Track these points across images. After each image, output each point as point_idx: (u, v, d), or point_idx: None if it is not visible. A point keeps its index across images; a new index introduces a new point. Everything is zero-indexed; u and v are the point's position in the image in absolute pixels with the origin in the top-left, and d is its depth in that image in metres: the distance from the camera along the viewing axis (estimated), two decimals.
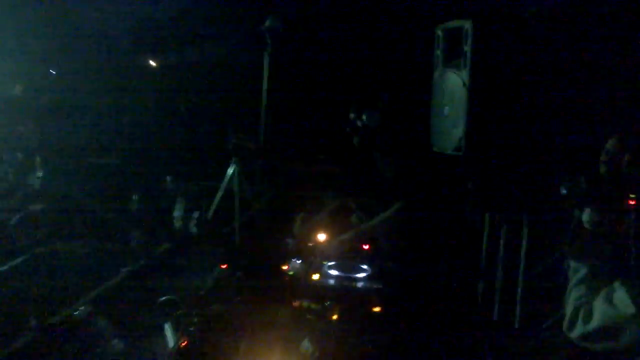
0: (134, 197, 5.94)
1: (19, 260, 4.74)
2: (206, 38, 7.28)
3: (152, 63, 7.35)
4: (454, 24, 3.84)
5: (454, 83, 3.87)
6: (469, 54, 3.63)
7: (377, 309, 2.58)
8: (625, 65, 3.78)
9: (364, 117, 3.29)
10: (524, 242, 3.72)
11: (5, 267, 4.58)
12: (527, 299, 3.79)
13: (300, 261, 2.91)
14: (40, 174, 6.25)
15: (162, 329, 2.77)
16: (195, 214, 5.65)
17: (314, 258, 2.97)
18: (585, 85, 3.94)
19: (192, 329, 2.45)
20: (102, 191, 6.06)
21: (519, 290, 3.78)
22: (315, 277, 2.77)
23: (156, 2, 6.78)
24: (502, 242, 3.87)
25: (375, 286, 2.75)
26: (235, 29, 6.49)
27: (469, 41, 3.62)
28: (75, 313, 3.64)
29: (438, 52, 4.08)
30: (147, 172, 6.25)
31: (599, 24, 3.93)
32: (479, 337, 3.29)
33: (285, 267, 2.83)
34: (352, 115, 3.35)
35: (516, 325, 3.80)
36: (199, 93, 6.97)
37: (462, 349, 2.67)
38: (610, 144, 2.91)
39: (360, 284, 2.77)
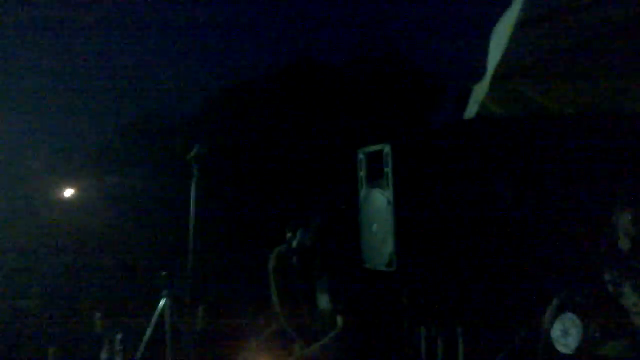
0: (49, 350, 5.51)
1: None
2: (131, 167, 7.26)
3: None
4: (374, 147, 4.08)
5: (379, 201, 4.03)
6: (390, 175, 3.83)
7: None
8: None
9: (298, 235, 3.38)
10: (461, 357, 3.72)
11: None
12: None
13: None
14: None
15: None
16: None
17: None
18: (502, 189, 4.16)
19: None
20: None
21: None
22: None
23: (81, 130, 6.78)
24: (439, 354, 3.85)
25: None
26: (161, 159, 6.54)
27: (390, 163, 3.84)
28: None
29: (361, 173, 4.27)
30: (70, 313, 5.86)
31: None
32: None
33: None
34: (288, 235, 3.43)
35: None
36: (124, 223, 6.80)
37: None
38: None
39: None
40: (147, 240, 6.30)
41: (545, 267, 3.31)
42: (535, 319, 3.09)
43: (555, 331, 2.91)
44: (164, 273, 5.05)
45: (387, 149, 3.87)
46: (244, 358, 4.13)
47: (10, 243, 6.42)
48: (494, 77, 4.19)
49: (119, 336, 5.40)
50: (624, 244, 2.93)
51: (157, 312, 4.97)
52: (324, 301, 3.23)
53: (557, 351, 2.87)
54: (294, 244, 3.27)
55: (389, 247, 3.92)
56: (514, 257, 3.58)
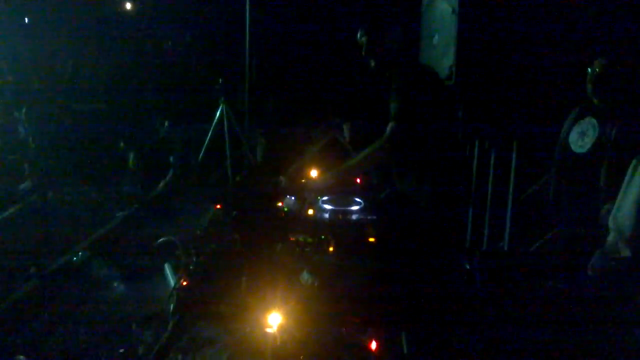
0: (121, 144, 5.89)
1: (11, 210, 4.74)
2: None
3: (129, 6, 7.07)
4: None
5: (443, 10, 3.78)
6: None
7: (371, 240, 2.61)
8: None
9: (384, 39, 2.77)
10: (513, 168, 3.77)
11: None
12: (515, 223, 3.88)
13: (294, 198, 2.91)
14: (25, 124, 6.13)
15: (162, 270, 2.81)
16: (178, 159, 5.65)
17: (307, 194, 2.97)
18: (576, 14, 3.86)
19: (192, 268, 2.48)
20: (90, 138, 5.98)
21: (508, 214, 3.87)
22: (310, 212, 2.78)
23: None
24: (491, 168, 3.91)
25: (368, 218, 2.76)
26: None
27: None
28: (74, 259, 3.68)
29: None
30: (136, 117, 6.16)
31: None
32: (469, 261, 3.36)
33: (280, 204, 2.84)
34: (363, 39, 2.82)
35: (505, 249, 3.91)
36: (185, 33, 6.76)
37: (453, 274, 2.75)
38: (596, 64, 2.98)
39: (354, 217, 2.78)
40: (205, 53, 6.29)
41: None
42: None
43: (573, 135, 3.08)
44: (220, 81, 5.13)
45: None
46: (299, 166, 4.27)
47: (73, 50, 6.56)
48: None
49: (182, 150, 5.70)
50: None
51: (216, 118, 5.17)
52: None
53: (573, 152, 3.05)
54: (364, 51, 2.93)
55: (449, 59, 3.77)
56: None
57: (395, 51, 2.82)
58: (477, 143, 3.94)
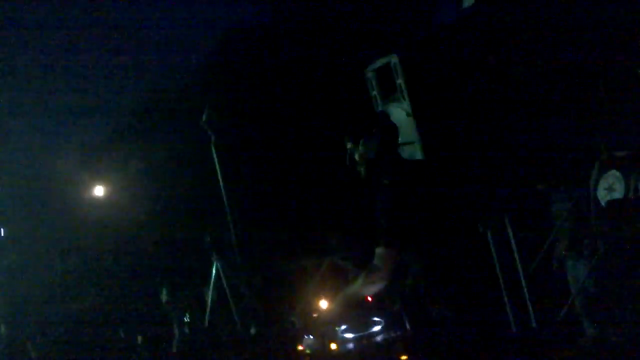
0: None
1: None
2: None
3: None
4: (381, 61, 3.96)
5: (398, 116, 3.95)
6: (403, 86, 3.74)
7: (403, 358, 2.52)
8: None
9: (360, 147, 2.79)
10: (513, 242, 3.73)
11: None
12: (535, 296, 3.75)
13: (312, 336, 2.81)
14: None
15: None
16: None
17: (324, 328, 2.88)
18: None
19: None
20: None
21: (525, 289, 3.76)
22: (334, 346, 2.68)
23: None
24: (492, 247, 3.85)
25: (393, 334, 2.68)
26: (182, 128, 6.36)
27: (400, 74, 3.74)
28: None
29: (374, 92, 4.17)
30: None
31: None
32: (503, 346, 3.21)
33: (300, 348, 2.74)
34: (349, 146, 2.84)
35: (533, 325, 3.74)
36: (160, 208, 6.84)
37: None
38: None
39: (379, 338, 2.70)
40: (185, 216, 6.34)
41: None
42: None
43: (601, 191, 3.00)
44: (208, 238, 5.12)
45: (394, 59, 3.77)
46: (305, 302, 4.17)
47: (58, 246, 6.59)
48: None
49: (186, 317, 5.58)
50: None
51: (213, 276, 5.09)
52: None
53: (605, 208, 2.95)
54: (357, 156, 2.81)
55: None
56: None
57: (377, 155, 2.80)
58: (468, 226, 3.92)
